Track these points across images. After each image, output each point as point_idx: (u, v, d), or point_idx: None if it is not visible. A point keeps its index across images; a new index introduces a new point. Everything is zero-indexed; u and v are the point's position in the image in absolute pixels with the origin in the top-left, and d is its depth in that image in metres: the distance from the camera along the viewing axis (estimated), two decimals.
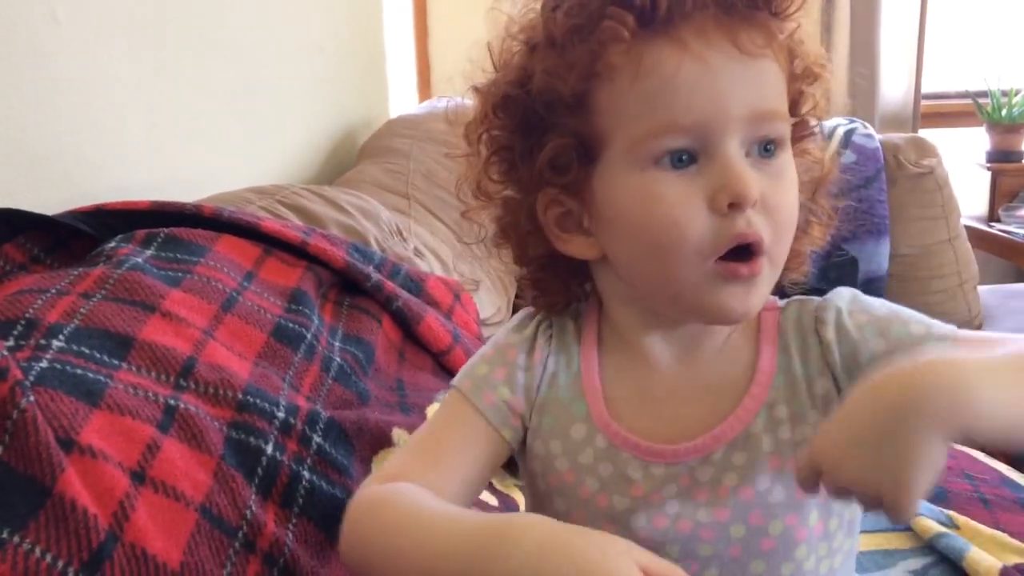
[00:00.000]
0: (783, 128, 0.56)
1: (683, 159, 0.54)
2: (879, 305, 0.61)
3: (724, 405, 0.60)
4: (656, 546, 0.58)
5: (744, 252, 0.55)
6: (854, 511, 0.62)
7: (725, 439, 0.59)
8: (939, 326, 0.60)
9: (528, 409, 0.64)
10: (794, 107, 0.60)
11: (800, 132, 0.62)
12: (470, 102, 0.63)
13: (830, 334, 0.59)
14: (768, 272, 0.56)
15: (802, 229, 0.62)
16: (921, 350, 0.57)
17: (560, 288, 0.66)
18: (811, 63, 0.60)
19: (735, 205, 0.53)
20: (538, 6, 0.59)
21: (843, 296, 0.61)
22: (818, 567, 0.60)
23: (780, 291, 0.65)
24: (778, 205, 0.55)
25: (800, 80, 0.59)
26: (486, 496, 1.09)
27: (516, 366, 0.64)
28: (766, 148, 0.56)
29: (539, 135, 0.58)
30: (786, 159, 0.57)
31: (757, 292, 0.56)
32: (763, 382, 0.60)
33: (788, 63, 0.58)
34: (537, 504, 0.66)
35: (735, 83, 0.53)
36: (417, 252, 1.50)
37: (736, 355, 0.62)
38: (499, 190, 0.62)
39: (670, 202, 0.54)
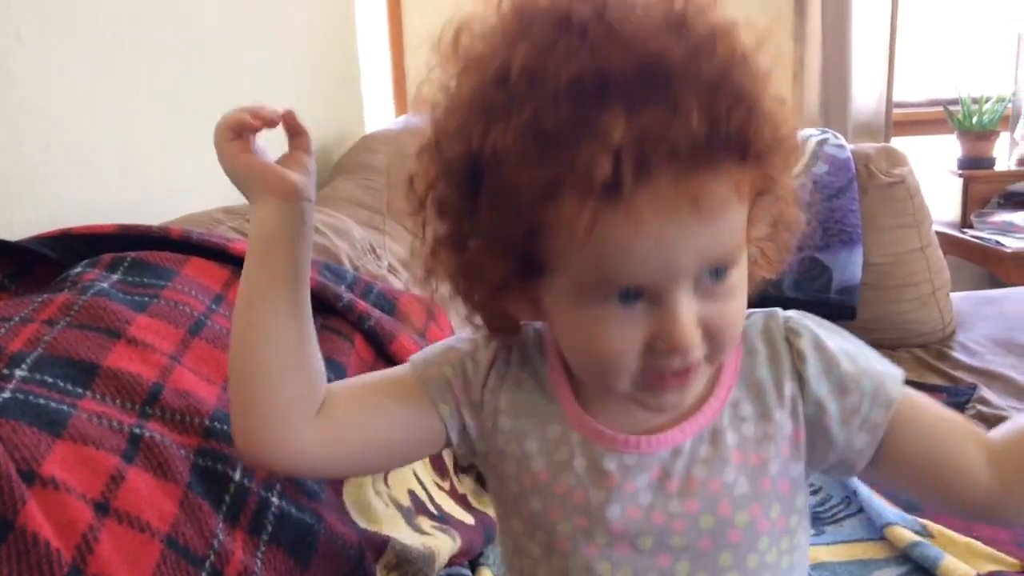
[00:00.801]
0: (736, 254, 0.55)
1: (630, 297, 0.54)
2: (839, 332, 0.65)
3: (690, 404, 0.62)
4: (631, 537, 0.61)
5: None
6: (806, 509, 0.65)
7: (693, 432, 0.62)
8: (893, 368, 0.64)
9: (472, 402, 0.65)
10: (764, 186, 0.57)
11: (767, 189, 0.59)
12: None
13: (804, 345, 0.62)
14: (705, 371, 0.58)
15: (752, 260, 0.63)
16: (881, 384, 0.61)
17: (506, 320, 0.64)
18: (790, 150, 0.57)
19: (673, 351, 0.54)
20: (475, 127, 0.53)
21: (810, 321, 0.64)
22: (780, 560, 0.63)
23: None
24: (721, 326, 0.55)
25: (775, 167, 0.56)
26: (461, 515, 1.08)
27: (467, 355, 0.65)
28: (717, 272, 0.55)
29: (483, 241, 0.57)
30: (736, 274, 0.56)
31: (692, 386, 0.58)
32: (727, 382, 0.63)
33: (761, 178, 0.55)
34: (509, 507, 0.67)
35: (688, 245, 0.52)
36: (391, 269, 1.49)
37: None
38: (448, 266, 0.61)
39: (611, 339, 0.55)
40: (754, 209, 0.58)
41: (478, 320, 0.64)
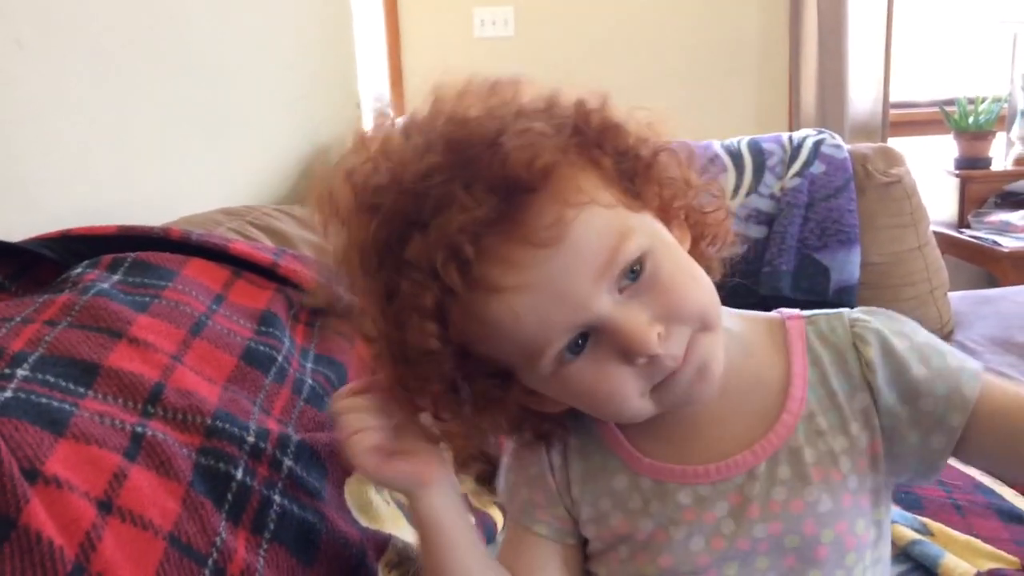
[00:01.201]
0: (629, 245, 0.55)
1: (579, 344, 0.55)
2: (912, 331, 0.63)
3: (760, 420, 0.62)
4: (716, 565, 0.61)
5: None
6: (888, 520, 0.65)
7: (766, 454, 0.61)
8: (972, 362, 0.62)
9: (552, 495, 0.67)
10: (627, 164, 0.59)
11: (646, 176, 0.60)
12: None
13: (873, 354, 0.61)
14: (705, 338, 0.57)
15: (703, 218, 0.64)
16: (956, 386, 0.60)
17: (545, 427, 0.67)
18: (634, 142, 0.59)
19: (648, 356, 0.55)
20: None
21: (879, 317, 0.63)
22: (865, 574, 0.62)
23: (728, 263, 0.67)
24: (678, 307, 0.56)
25: (621, 154, 0.59)
26: None
27: (541, 475, 0.67)
28: (632, 272, 0.55)
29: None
30: (654, 260, 0.56)
31: (711, 365, 0.57)
32: (798, 396, 0.62)
33: (595, 163, 0.57)
34: (594, 561, 0.68)
35: (564, 274, 0.53)
36: None
37: (765, 369, 0.64)
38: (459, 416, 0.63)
39: (595, 383, 0.56)
40: (631, 194, 0.58)
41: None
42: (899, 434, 0.61)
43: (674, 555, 0.62)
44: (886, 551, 0.65)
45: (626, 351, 0.55)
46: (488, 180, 0.52)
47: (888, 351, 0.61)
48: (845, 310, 0.65)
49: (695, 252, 0.64)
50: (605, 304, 0.54)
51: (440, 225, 0.52)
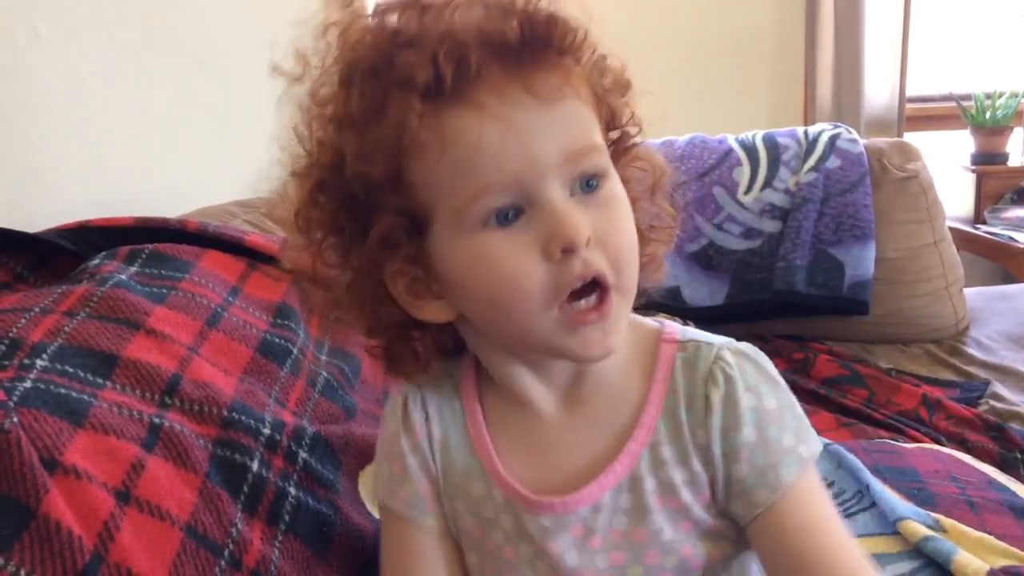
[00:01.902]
0: (601, 159, 0.56)
1: (509, 216, 0.55)
2: (769, 392, 0.60)
3: (612, 440, 0.61)
4: None
5: (589, 291, 0.55)
6: (743, 539, 0.63)
7: (610, 484, 0.60)
8: (806, 449, 0.60)
9: (438, 484, 0.65)
10: (613, 121, 0.61)
11: (624, 144, 0.62)
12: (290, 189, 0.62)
13: (715, 398, 0.59)
14: (620, 305, 0.56)
15: (646, 235, 0.64)
16: (776, 464, 0.58)
17: (411, 355, 0.65)
18: (618, 76, 0.60)
19: (568, 250, 0.53)
20: (335, 80, 0.58)
21: (746, 364, 0.61)
22: None
23: (644, 293, 0.64)
24: (614, 234, 0.56)
25: (612, 94, 0.60)
26: None
27: (404, 453, 0.65)
28: (588, 183, 0.56)
29: (365, 215, 0.58)
30: (611, 187, 0.57)
31: (614, 328, 0.56)
32: (648, 423, 0.60)
33: (594, 85, 0.58)
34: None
35: (540, 131, 0.54)
36: None
37: (626, 390, 0.62)
38: (337, 274, 0.61)
39: (504, 261, 0.54)
40: (606, 110, 0.59)
41: (378, 356, 0.65)
42: (716, 483, 0.60)
43: (520, 573, 0.62)
44: (750, 559, 0.64)
45: (552, 234, 0.53)
46: (526, 16, 0.54)
47: (730, 402, 0.59)
48: (720, 342, 0.62)
49: None
50: (555, 189, 0.54)
51: (458, 23, 0.53)
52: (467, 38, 0.52)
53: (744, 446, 0.58)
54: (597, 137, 0.57)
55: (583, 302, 0.55)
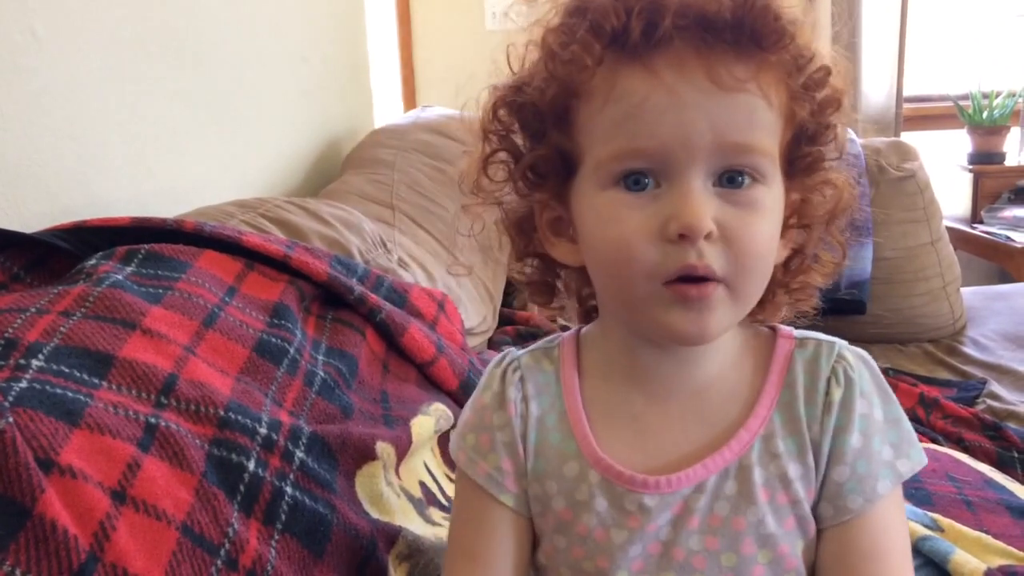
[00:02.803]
0: (756, 161, 0.55)
1: (641, 182, 0.55)
2: (882, 402, 0.61)
3: (720, 430, 0.61)
4: (651, 573, 0.60)
5: (695, 277, 0.55)
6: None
7: (717, 468, 0.60)
8: (904, 463, 0.61)
9: (521, 465, 0.65)
10: (809, 135, 0.60)
11: (812, 163, 0.61)
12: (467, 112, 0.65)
13: (835, 398, 0.60)
14: (727, 300, 0.56)
15: (808, 263, 0.64)
16: (875, 475, 0.59)
17: (548, 290, 0.68)
18: (829, 92, 0.59)
19: (685, 236, 0.53)
20: (558, 10, 0.59)
21: (866, 370, 0.61)
22: None
23: (789, 322, 0.66)
24: (741, 237, 0.55)
25: (814, 108, 0.59)
26: None
27: (493, 427, 0.65)
28: (734, 179, 0.55)
29: (532, 141, 0.61)
30: (760, 192, 0.56)
31: (713, 316, 0.56)
32: (762, 414, 0.60)
33: (793, 91, 0.57)
34: (537, 544, 0.67)
35: (703, 115, 0.53)
36: (401, 263, 1.50)
37: (740, 381, 0.62)
38: (496, 188, 0.64)
39: (623, 224, 0.55)
40: (808, 125, 0.58)
41: (521, 284, 0.68)
42: (817, 480, 0.60)
43: (611, 558, 0.61)
44: None
45: (674, 216, 0.53)
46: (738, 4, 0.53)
47: (847, 405, 0.59)
48: (840, 343, 0.63)
49: (774, 280, 0.63)
50: (697, 174, 0.54)
51: None
52: (670, 3, 0.53)
53: (850, 450, 0.59)
54: (764, 140, 0.56)
55: (693, 284, 0.55)
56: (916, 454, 0.61)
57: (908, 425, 0.62)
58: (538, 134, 0.60)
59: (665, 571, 0.60)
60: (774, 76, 0.55)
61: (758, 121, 0.55)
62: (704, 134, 0.53)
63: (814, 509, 0.61)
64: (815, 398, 0.60)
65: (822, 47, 0.58)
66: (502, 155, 0.63)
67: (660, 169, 0.55)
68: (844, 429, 0.59)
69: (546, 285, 0.68)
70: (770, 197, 0.57)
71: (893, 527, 0.61)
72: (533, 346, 0.69)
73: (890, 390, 0.63)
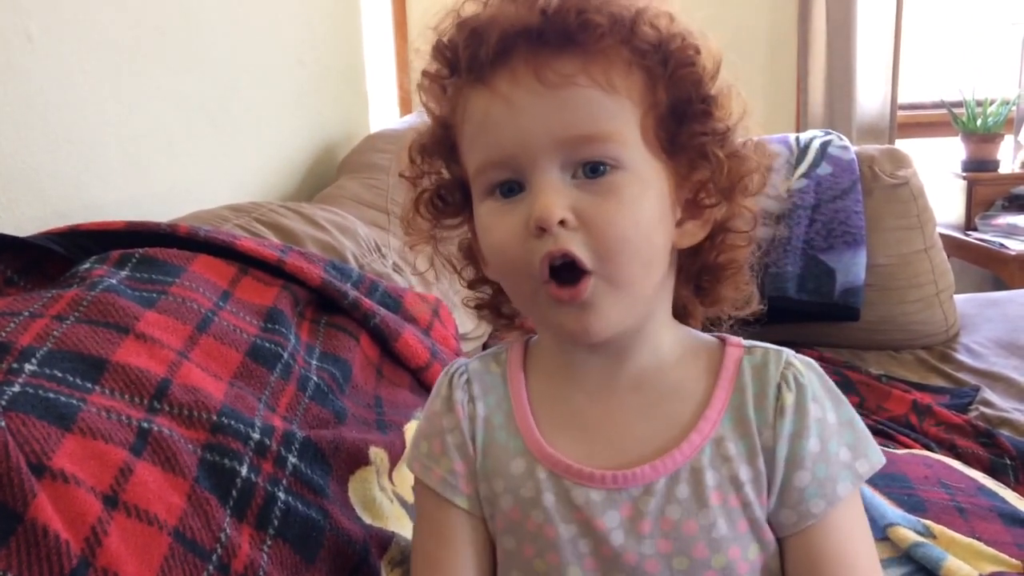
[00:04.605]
0: (606, 149, 0.57)
1: (512, 189, 0.59)
2: (833, 406, 0.62)
3: (668, 431, 0.62)
4: (602, 573, 0.61)
5: (573, 274, 0.57)
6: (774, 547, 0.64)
7: (667, 470, 0.60)
8: (863, 463, 0.62)
9: (472, 466, 0.66)
10: (685, 117, 0.60)
11: (688, 136, 0.61)
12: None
13: (788, 402, 0.61)
14: (608, 292, 0.58)
15: (716, 238, 0.65)
16: (834, 477, 0.60)
17: (496, 312, 0.71)
18: (686, 61, 0.60)
19: (541, 228, 0.56)
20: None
21: (814, 375, 0.63)
22: None
23: (736, 327, 0.69)
24: (599, 222, 0.56)
25: (675, 81, 0.59)
26: None
27: (443, 431, 0.67)
28: (593, 169, 0.57)
29: (439, 175, 0.67)
30: (619, 176, 0.57)
31: (595, 313, 0.58)
32: (713, 418, 0.61)
33: (650, 72, 0.59)
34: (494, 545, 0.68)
35: (536, 116, 0.56)
36: (396, 267, 1.50)
37: (686, 385, 0.63)
38: (429, 225, 0.68)
39: (498, 229, 0.59)
40: (671, 133, 0.60)
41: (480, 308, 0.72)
42: (773, 487, 0.61)
43: (561, 554, 0.61)
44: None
45: (530, 212, 0.57)
46: (550, 5, 0.57)
47: (801, 409, 0.60)
48: (787, 350, 0.64)
49: (697, 260, 0.65)
50: (549, 171, 0.57)
51: (491, 9, 0.59)
52: (491, 24, 0.57)
53: (808, 455, 0.60)
54: (607, 127, 0.57)
55: (561, 278, 0.58)
56: (874, 454, 0.62)
57: (862, 426, 0.63)
58: (444, 166, 0.66)
59: (617, 573, 0.61)
60: (608, 63, 0.57)
61: (596, 111, 0.57)
62: (541, 134, 0.56)
63: (776, 517, 0.61)
64: (765, 403, 0.61)
65: (683, 27, 0.60)
66: (427, 194, 0.67)
67: (519, 174, 0.58)
68: (800, 434, 0.60)
69: (496, 307, 0.71)
70: (633, 181, 0.58)
71: (857, 531, 0.62)
72: (482, 353, 0.71)
73: (840, 393, 0.64)
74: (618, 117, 0.58)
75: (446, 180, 0.66)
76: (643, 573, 0.60)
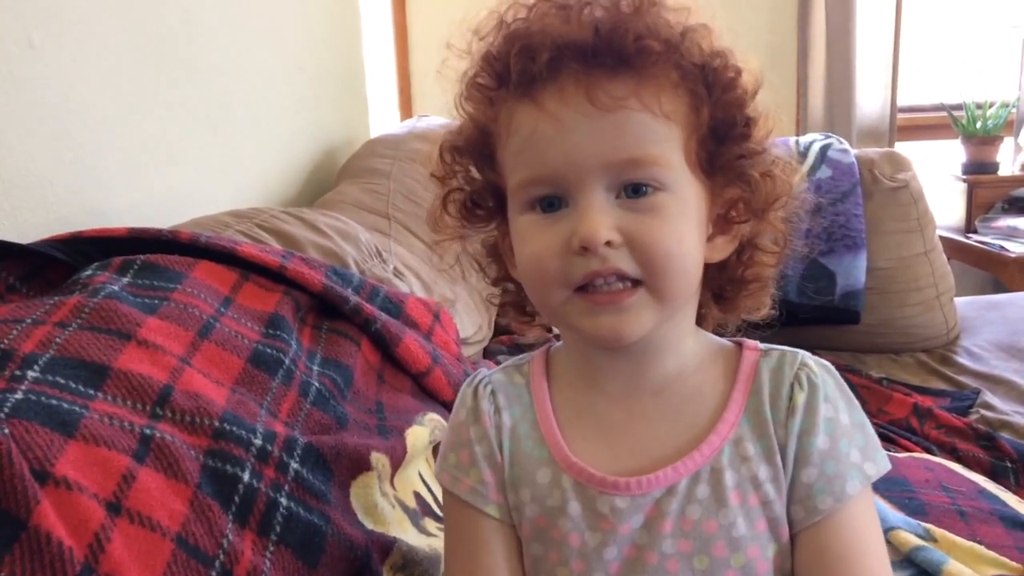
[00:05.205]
0: (651, 172, 0.58)
1: (553, 204, 0.59)
2: (845, 407, 0.63)
3: (688, 433, 0.63)
4: None
5: (616, 279, 0.58)
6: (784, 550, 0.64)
7: (688, 471, 0.61)
8: (871, 467, 0.62)
9: (500, 475, 0.67)
10: (726, 138, 0.61)
11: (729, 157, 0.62)
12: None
13: (799, 402, 0.62)
14: (648, 301, 0.59)
15: (744, 255, 0.66)
16: (843, 475, 0.61)
17: (520, 311, 0.72)
18: (730, 84, 0.61)
19: (586, 248, 0.57)
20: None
21: (828, 377, 0.63)
22: None
23: (743, 330, 0.69)
24: (644, 240, 0.57)
25: (718, 103, 0.60)
26: None
27: (471, 442, 0.67)
28: (639, 188, 0.58)
29: (472, 178, 0.67)
30: (663, 198, 0.58)
31: (629, 318, 0.59)
32: (731, 419, 0.62)
33: (694, 95, 0.59)
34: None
35: (586, 137, 0.57)
36: (397, 272, 1.50)
37: (706, 388, 0.64)
38: (456, 224, 0.69)
39: (537, 242, 0.60)
40: (711, 154, 0.60)
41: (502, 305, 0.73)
42: (785, 483, 0.62)
43: (587, 562, 0.62)
44: None
45: (575, 231, 0.57)
46: (604, 24, 0.57)
47: (811, 408, 0.61)
48: (803, 352, 0.65)
49: (724, 274, 0.66)
50: (595, 191, 0.58)
51: (543, 24, 0.58)
52: (543, 39, 0.57)
53: (816, 452, 0.61)
54: (654, 151, 0.58)
55: (605, 287, 0.58)
56: (881, 459, 0.63)
57: (872, 431, 0.64)
58: (477, 170, 0.66)
59: (639, 574, 0.61)
60: (659, 87, 0.58)
61: (645, 135, 0.57)
62: (590, 156, 0.57)
63: (786, 513, 0.62)
64: (779, 402, 0.62)
65: (725, 45, 0.61)
66: (456, 194, 0.68)
67: (563, 191, 0.59)
68: (809, 432, 0.61)
69: (520, 305, 0.72)
70: (674, 201, 0.59)
71: (865, 529, 0.63)
72: (504, 364, 0.71)
73: (854, 397, 0.65)
74: (665, 140, 0.58)
75: (478, 184, 0.66)
76: (664, 573, 0.61)
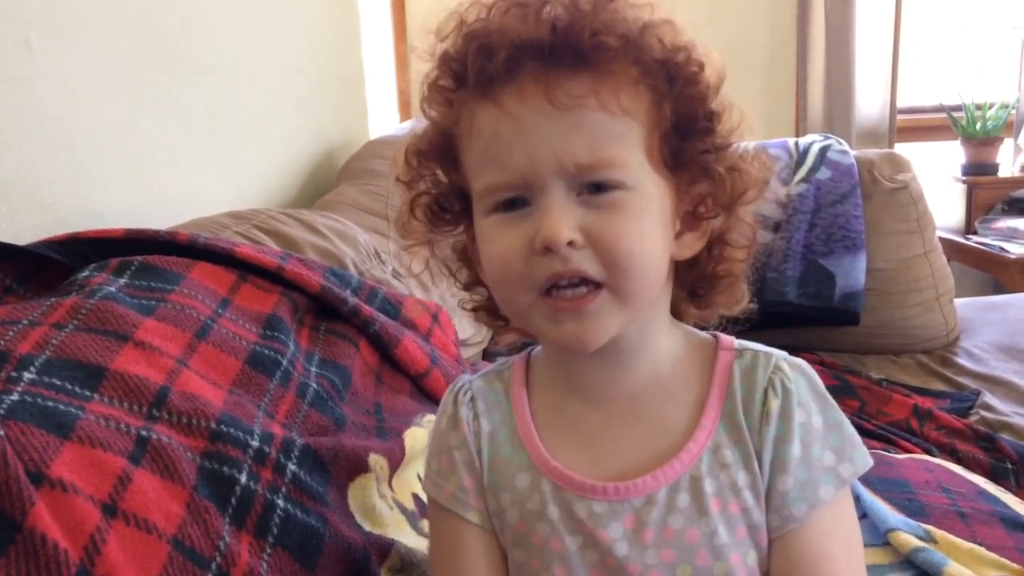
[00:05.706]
0: (610, 173, 0.57)
1: (516, 203, 0.59)
2: (820, 409, 0.62)
3: (666, 438, 0.62)
4: None
5: (578, 284, 0.57)
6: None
7: (668, 480, 0.61)
8: (847, 467, 0.62)
9: (480, 481, 0.67)
10: (689, 133, 0.60)
11: (692, 152, 0.61)
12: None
13: (773, 408, 0.61)
14: (612, 303, 0.58)
15: (716, 257, 0.65)
16: (816, 481, 0.60)
17: (493, 313, 0.71)
18: (692, 78, 0.60)
19: (548, 249, 0.56)
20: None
21: (802, 379, 0.63)
22: None
23: (722, 326, 0.68)
24: (605, 238, 0.57)
25: (680, 98, 0.60)
26: None
27: (451, 448, 0.67)
28: (601, 186, 0.57)
29: (437, 181, 0.66)
30: (624, 195, 0.57)
31: (595, 324, 0.58)
32: (708, 426, 0.62)
33: (655, 91, 0.58)
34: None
35: (545, 136, 0.56)
36: (396, 274, 1.50)
37: (681, 392, 0.64)
38: (423, 228, 0.68)
39: (500, 243, 0.59)
40: (675, 150, 0.60)
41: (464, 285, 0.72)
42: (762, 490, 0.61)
43: (568, 566, 0.62)
44: None
45: (537, 231, 0.57)
46: (561, 23, 0.56)
47: (785, 415, 0.61)
48: (777, 353, 0.64)
49: (695, 271, 0.66)
50: (555, 191, 0.57)
51: (501, 24, 0.57)
52: (500, 38, 0.56)
53: (791, 460, 0.60)
54: (613, 151, 0.57)
55: (568, 292, 0.58)
56: (860, 457, 0.62)
57: (850, 429, 0.63)
58: (443, 174, 0.65)
59: None
60: (618, 84, 0.57)
61: (603, 134, 0.57)
62: (549, 156, 0.56)
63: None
64: (752, 409, 0.61)
65: (687, 40, 0.60)
66: (423, 198, 0.67)
67: (524, 191, 0.58)
68: (784, 440, 0.60)
69: (492, 309, 0.71)
70: (635, 199, 0.58)
71: (839, 532, 0.62)
72: (484, 370, 0.71)
73: (829, 396, 0.64)
74: (625, 139, 0.58)
75: (444, 187, 0.66)
76: None
